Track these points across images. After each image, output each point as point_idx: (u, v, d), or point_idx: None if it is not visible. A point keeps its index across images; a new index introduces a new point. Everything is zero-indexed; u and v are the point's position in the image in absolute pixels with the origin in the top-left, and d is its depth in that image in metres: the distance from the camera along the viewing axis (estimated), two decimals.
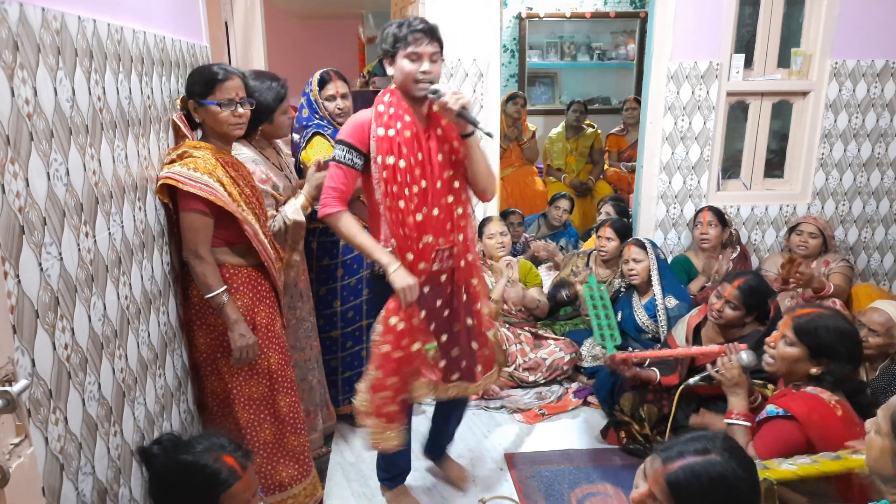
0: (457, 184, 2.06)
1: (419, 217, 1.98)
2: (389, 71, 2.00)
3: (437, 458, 2.54)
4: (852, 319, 2.01)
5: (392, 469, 2.34)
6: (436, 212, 2.01)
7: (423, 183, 1.98)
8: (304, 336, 2.57)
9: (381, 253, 1.98)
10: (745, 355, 2.07)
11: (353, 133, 1.98)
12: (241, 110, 1.99)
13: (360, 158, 1.98)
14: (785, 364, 1.91)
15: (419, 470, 2.55)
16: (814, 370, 1.86)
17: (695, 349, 2.43)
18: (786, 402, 1.83)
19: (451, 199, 2.04)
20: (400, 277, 1.96)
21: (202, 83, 1.95)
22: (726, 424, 2.04)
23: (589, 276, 3.10)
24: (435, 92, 1.94)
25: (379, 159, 1.95)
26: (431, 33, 1.93)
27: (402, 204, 1.96)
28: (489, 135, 1.97)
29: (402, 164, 1.95)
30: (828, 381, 1.83)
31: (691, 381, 2.21)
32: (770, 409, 1.85)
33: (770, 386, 2.22)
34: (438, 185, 2.01)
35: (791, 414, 1.78)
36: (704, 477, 1.25)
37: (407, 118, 1.97)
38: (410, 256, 2.00)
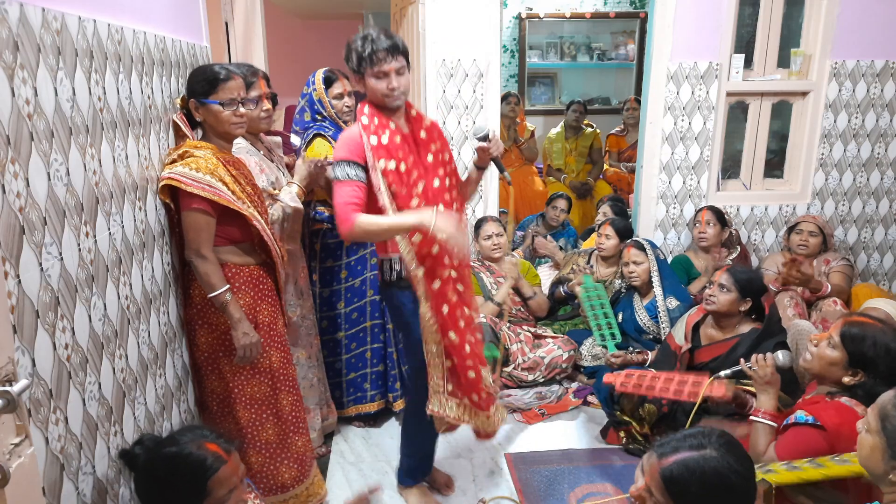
0: (451, 181, 2.12)
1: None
2: (359, 87, 2.01)
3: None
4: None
5: (412, 464, 2.36)
6: (441, 209, 2.01)
7: (423, 183, 2.02)
8: (304, 334, 2.57)
9: (412, 218, 1.88)
10: (782, 355, 2.06)
11: (348, 149, 1.95)
12: (242, 110, 2.00)
13: (362, 172, 1.95)
14: (820, 364, 1.87)
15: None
16: (846, 379, 1.82)
17: (678, 390, 2.38)
18: (817, 411, 1.79)
19: (447, 196, 2.08)
20: (443, 223, 1.84)
21: (204, 83, 1.95)
22: (751, 421, 2.02)
23: (585, 276, 3.08)
24: (485, 137, 2.07)
25: (381, 164, 1.93)
26: (395, 49, 1.91)
27: (414, 203, 1.97)
28: (509, 183, 2.16)
29: (402, 167, 1.96)
30: (860, 395, 1.80)
31: (722, 373, 2.20)
32: (800, 414, 1.81)
33: None
34: (436, 183, 2.05)
35: (820, 424, 1.75)
36: (698, 471, 1.26)
37: (392, 125, 1.99)
38: (436, 249, 1.98)
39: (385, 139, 1.96)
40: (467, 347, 2.07)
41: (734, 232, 3.56)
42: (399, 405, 2.87)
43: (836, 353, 1.83)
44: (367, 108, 2.00)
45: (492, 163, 2.14)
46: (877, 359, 1.77)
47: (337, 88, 2.62)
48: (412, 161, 2.00)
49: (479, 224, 3.42)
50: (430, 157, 2.05)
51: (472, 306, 2.15)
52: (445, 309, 2.02)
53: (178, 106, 2.05)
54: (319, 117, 2.64)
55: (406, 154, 1.99)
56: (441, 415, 2.11)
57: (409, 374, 2.34)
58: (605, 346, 2.86)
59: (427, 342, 2.06)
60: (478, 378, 2.09)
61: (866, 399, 1.78)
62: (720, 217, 3.40)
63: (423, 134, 2.05)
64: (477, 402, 2.11)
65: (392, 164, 1.95)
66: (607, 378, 2.54)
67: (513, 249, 3.76)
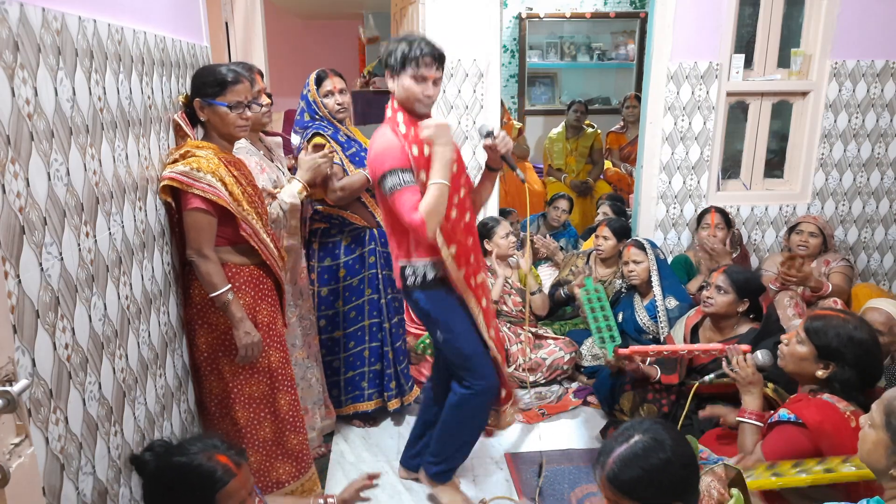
0: (466, 189, 2.18)
1: (463, 225, 2.11)
2: (390, 84, 2.04)
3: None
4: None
5: (452, 460, 2.36)
6: (468, 217, 2.15)
7: (461, 192, 2.12)
8: (303, 334, 2.57)
9: (441, 161, 1.98)
10: (761, 355, 2.08)
11: (395, 157, 1.98)
12: (249, 113, 2.00)
13: (412, 175, 2.00)
14: (792, 361, 1.91)
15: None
16: (819, 372, 1.85)
17: (696, 346, 2.43)
18: (799, 409, 1.82)
19: (467, 203, 2.17)
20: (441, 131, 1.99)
21: (213, 84, 1.94)
22: (738, 422, 2.05)
23: (586, 278, 3.09)
24: (489, 134, 2.08)
25: (422, 176, 2.00)
26: (440, 59, 2.01)
27: (454, 214, 2.06)
28: (523, 181, 2.17)
29: None
30: (835, 387, 1.83)
31: (706, 378, 2.21)
32: (782, 413, 1.84)
33: (770, 385, 2.22)
34: (462, 193, 2.13)
35: (802, 421, 1.77)
36: (634, 458, 1.33)
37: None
38: (472, 258, 2.15)
39: (427, 151, 2.01)
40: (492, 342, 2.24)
41: (736, 232, 3.55)
42: (394, 404, 2.86)
43: (805, 348, 1.88)
44: (400, 116, 2.04)
45: (503, 164, 2.17)
46: (842, 348, 1.82)
47: (327, 86, 2.61)
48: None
49: (491, 225, 3.39)
50: (454, 168, 2.09)
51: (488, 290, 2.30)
52: (484, 302, 2.19)
53: (181, 104, 2.05)
54: (317, 117, 2.64)
55: None
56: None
57: (445, 370, 2.33)
58: (603, 348, 2.86)
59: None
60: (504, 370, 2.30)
61: (843, 391, 1.82)
62: (727, 220, 3.40)
63: None
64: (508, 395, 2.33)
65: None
66: (620, 352, 2.55)
67: (518, 249, 3.75)
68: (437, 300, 2.14)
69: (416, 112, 2.04)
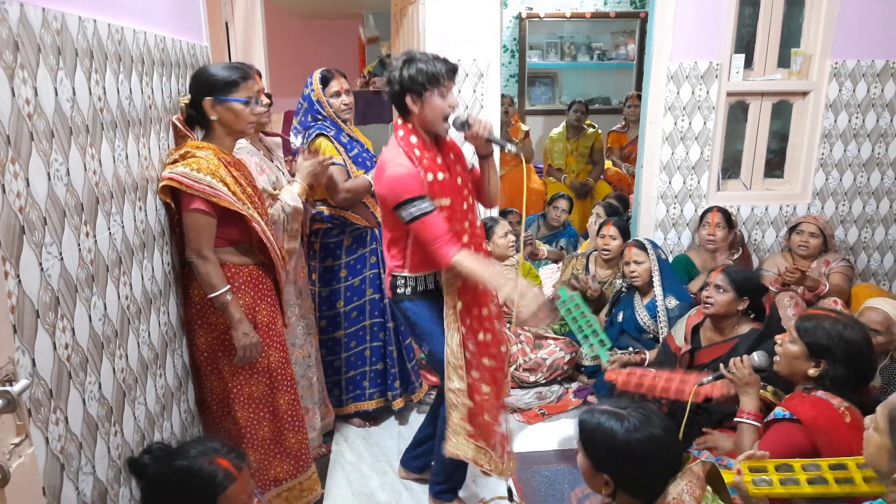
0: (473, 197, 2.19)
1: (465, 239, 2.08)
2: (414, 108, 1.98)
3: (423, 471, 2.53)
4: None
5: (452, 480, 2.34)
6: (476, 223, 2.15)
7: (465, 206, 2.10)
8: (302, 334, 2.57)
9: (504, 287, 1.97)
10: (758, 356, 2.10)
11: (413, 184, 1.95)
12: (259, 109, 2.03)
13: (430, 200, 1.99)
14: (786, 361, 1.94)
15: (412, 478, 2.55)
16: (811, 371, 1.88)
17: (681, 389, 2.38)
18: (793, 406, 1.84)
19: (471, 216, 2.15)
20: (528, 301, 1.94)
21: (227, 81, 1.94)
22: (736, 423, 2.07)
23: (560, 288, 3.06)
24: (463, 125, 2.05)
25: (436, 202, 2.00)
26: (457, 70, 2.02)
27: (466, 239, 2.06)
28: (518, 154, 2.11)
29: (455, 204, 2.05)
30: (826, 385, 1.85)
31: (704, 380, 2.21)
32: (777, 411, 1.87)
33: (769, 388, 2.23)
34: (466, 204, 2.12)
35: (796, 418, 1.80)
36: (602, 413, 1.45)
37: (439, 160, 2.04)
38: (481, 286, 2.08)
39: (441, 176, 2.02)
40: (484, 388, 2.11)
41: (738, 233, 3.55)
42: (398, 403, 2.87)
43: (797, 347, 1.91)
44: (413, 138, 2.00)
45: (493, 145, 2.12)
46: (832, 346, 1.84)
47: (334, 87, 2.62)
48: (460, 195, 2.08)
49: (490, 225, 3.37)
50: (459, 180, 2.09)
51: (502, 341, 2.20)
52: (472, 346, 2.09)
53: (184, 105, 2.04)
54: (320, 117, 2.64)
55: (453, 191, 2.05)
56: (457, 455, 2.10)
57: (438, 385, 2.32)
58: (597, 356, 2.86)
59: (450, 377, 2.07)
60: (493, 421, 2.14)
61: (834, 388, 1.84)
62: (728, 219, 3.39)
63: (451, 155, 2.11)
64: (492, 446, 2.14)
65: (447, 202, 2.03)
66: (609, 375, 2.54)
67: (517, 251, 3.75)
68: (424, 311, 2.14)
69: (441, 132, 2.04)
